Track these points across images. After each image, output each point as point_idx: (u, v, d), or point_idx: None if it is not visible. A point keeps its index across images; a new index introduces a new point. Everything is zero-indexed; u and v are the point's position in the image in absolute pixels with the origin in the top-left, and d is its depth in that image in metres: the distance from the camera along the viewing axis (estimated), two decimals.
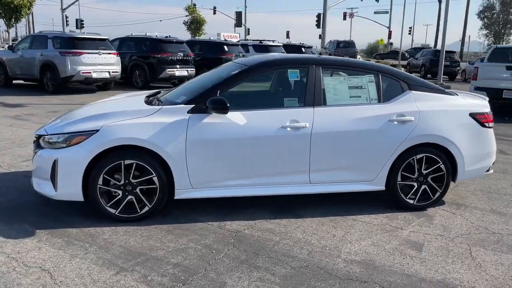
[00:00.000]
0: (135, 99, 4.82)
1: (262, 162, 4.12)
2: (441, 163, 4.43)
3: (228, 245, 3.63)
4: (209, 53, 17.96)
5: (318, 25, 37.83)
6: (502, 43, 62.40)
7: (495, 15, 63.16)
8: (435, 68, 25.84)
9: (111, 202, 3.97)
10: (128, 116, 3.97)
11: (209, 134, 3.99)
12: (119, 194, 3.98)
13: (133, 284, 3.03)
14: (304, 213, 4.35)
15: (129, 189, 3.97)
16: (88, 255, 3.41)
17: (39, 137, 4.13)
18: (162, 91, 5.29)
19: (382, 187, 4.43)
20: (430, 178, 4.48)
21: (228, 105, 3.89)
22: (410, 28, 63.70)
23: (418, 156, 4.39)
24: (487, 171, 4.79)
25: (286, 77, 4.46)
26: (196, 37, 20.93)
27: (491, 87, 11.09)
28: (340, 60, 4.72)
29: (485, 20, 63.55)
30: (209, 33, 39.69)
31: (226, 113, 3.95)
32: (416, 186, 4.48)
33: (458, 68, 25.91)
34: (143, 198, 4.00)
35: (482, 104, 4.71)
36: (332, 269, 3.30)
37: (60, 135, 3.94)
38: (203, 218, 4.17)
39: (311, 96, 4.25)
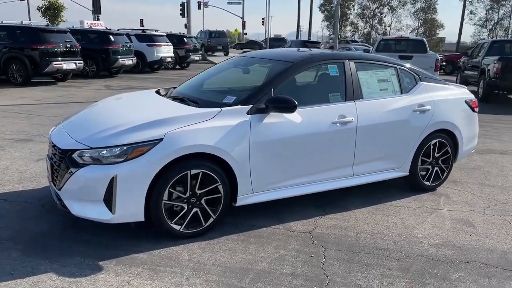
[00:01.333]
0: (155, 99, 4.30)
1: (315, 159, 4.08)
2: (448, 146, 4.94)
3: (318, 247, 3.55)
4: (91, 44, 16.43)
5: (182, 14, 37.33)
6: (340, 34, 69.59)
7: (333, 8, 69.94)
8: None
9: (176, 218, 3.53)
10: (189, 121, 3.55)
11: (270, 135, 3.80)
12: (183, 208, 3.55)
13: None
14: (347, 205, 4.45)
15: (194, 201, 3.58)
16: (192, 280, 3.01)
17: (70, 152, 3.43)
18: (162, 90, 4.82)
19: (407, 173, 4.76)
20: (440, 160, 4.96)
21: (297, 103, 3.75)
22: (263, 18, 66.94)
23: (433, 142, 4.82)
24: (472, 150, 5.48)
25: (326, 72, 4.45)
26: (73, 26, 18.80)
27: None
28: (367, 55, 4.87)
29: (326, 12, 70.06)
30: (69, 20, 35.99)
31: (293, 111, 3.80)
32: (430, 169, 4.91)
33: None
34: (208, 209, 3.65)
35: (469, 92, 5.35)
36: (430, 255, 3.49)
37: (112, 148, 3.33)
38: (260, 222, 3.98)
39: (351, 90, 4.34)
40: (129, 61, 17.27)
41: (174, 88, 4.94)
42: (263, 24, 70.24)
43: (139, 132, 3.41)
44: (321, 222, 4.03)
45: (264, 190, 3.91)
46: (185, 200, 3.54)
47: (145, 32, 19.85)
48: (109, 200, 3.31)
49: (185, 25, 37.25)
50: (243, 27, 55.13)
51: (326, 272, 3.18)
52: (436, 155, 4.90)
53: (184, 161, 3.46)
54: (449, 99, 4.95)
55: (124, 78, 16.87)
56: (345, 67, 4.39)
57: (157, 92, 4.69)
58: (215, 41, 33.23)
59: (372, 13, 68.19)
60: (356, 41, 56.98)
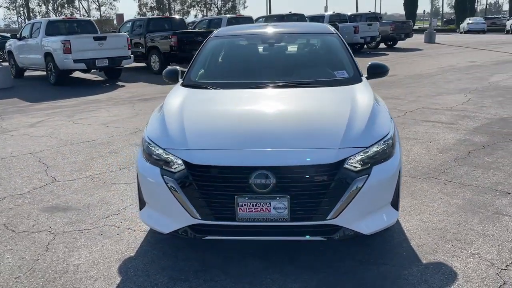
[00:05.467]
0: (262, 92, 3.57)
1: None
2: None
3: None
4: None
5: None
6: None
7: None
8: None
9: None
10: (371, 97, 3.46)
11: None
12: None
13: None
14: None
15: None
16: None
17: (340, 163, 2.71)
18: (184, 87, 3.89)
19: None
20: None
21: None
22: None
23: None
24: None
25: None
26: None
27: (87, 58, 11.71)
28: None
29: None
30: None
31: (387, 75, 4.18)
32: None
33: None
34: None
35: None
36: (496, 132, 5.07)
37: (384, 140, 2.89)
38: None
39: None
40: None
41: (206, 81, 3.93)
42: None
43: (377, 119, 3.08)
44: None
45: None
46: None
47: None
48: (395, 199, 2.96)
49: None
50: None
51: None
52: None
53: None
54: None
55: None
56: None
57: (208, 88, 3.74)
58: None
59: None
60: None
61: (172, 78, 4.10)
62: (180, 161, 2.69)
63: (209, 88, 3.69)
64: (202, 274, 2.78)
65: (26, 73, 15.25)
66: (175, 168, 2.70)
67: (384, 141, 2.82)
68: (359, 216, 2.69)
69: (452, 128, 6.18)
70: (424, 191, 4.02)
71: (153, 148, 2.86)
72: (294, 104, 3.31)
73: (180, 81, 3.99)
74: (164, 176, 2.73)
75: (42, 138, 6.46)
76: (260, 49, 4.49)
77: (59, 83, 12.20)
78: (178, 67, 4.17)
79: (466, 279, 2.65)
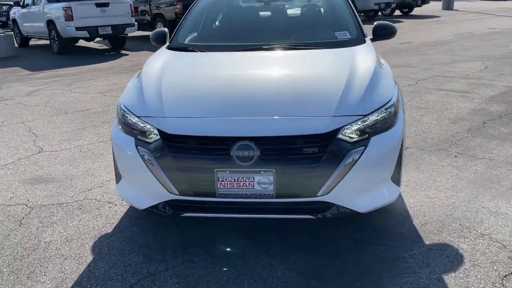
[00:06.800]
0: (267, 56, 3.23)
1: None
2: None
3: None
4: None
5: None
6: None
7: None
8: None
9: None
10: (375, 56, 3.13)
11: None
12: None
13: None
14: None
15: None
16: None
17: (333, 133, 2.39)
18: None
19: None
20: None
21: None
22: None
23: None
24: None
25: None
26: None
27: (91, 25, 11.37)
28: None
29: None
30: None
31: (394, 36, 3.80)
32: None
33: None
34: None
35: None
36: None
37: (385, 107, 2.55)
38: None
39: None
40: None
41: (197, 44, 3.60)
42: None
43: (378, 84, 2.74)
44: None
45: None
46: None
47: None
48: (396, 173, 2.64)
49: None
50: None
51: None
52: None
53: None
54: None
55: None
56: None
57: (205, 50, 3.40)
58: None
59: None
60: None
61: (160, 41, 3.79)
62: (156, 131, 2.41)
63: (196, 51, 3.37)
64: (180, 254, 2.54)
65: (31, 42, 14.99)
66: (150, 138, 2.43)
67: (386, 109, 2.49)
68: (355, 192, 2.41)
69: (467, 97, 5.78)
70: (432, 164, 3.69)
71: (128, 116, 2.59)
72: (288, 68, 2.99)
73: (167, 43, 3.68)
74: (138, 147, 2.46)
75: (36, 107, 6.23)
76: (256, 8, 4.13)
77: (63, 51, 11.92)
78: (166, 29, 3.85)
79: (474, 263, 2.36)
